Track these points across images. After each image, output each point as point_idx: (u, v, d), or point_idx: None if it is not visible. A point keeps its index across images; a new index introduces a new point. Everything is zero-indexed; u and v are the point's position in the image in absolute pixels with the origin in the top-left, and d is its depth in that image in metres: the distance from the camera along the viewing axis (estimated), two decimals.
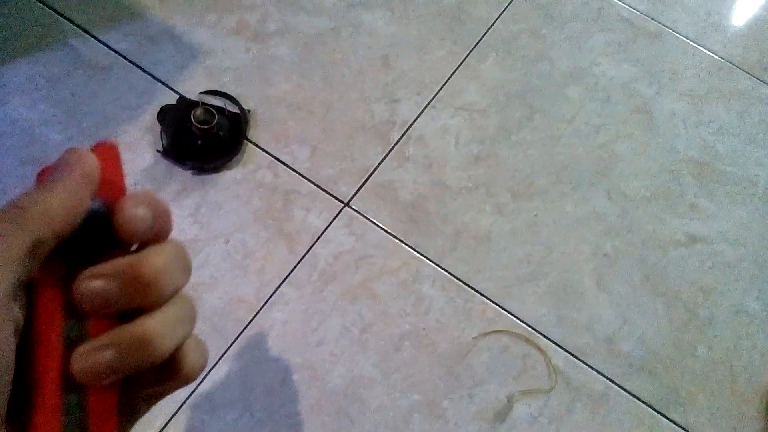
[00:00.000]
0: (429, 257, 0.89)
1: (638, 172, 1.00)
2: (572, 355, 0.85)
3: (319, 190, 0.92)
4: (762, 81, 1.13)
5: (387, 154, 0.96)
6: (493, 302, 0.87)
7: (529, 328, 0.86)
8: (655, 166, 1.01)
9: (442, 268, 0.89)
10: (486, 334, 0.85)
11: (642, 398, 0.84)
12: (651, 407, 0.84)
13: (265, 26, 1.03)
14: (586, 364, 0.85)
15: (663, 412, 0.83)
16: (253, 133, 0.94)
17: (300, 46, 1.03)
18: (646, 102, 1.07)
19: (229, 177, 0.91)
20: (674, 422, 0.83)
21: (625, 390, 0.84)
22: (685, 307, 0.90)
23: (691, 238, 0.96)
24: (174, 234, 0.25)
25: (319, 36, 1.04)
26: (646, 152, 1.02)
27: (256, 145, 0.93)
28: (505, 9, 1.12)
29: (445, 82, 1.03)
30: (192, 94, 0.94)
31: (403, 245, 0.90)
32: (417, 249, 0.90)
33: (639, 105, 1.06)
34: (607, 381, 0.84)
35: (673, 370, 0.86)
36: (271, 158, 0.93)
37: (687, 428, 0.83)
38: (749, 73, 1.13)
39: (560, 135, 1.02)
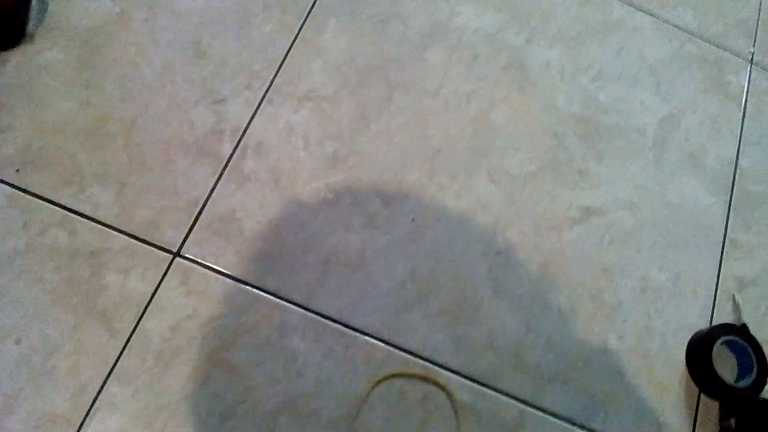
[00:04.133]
0: (293, 300, 0.72)
1: (520, 144, 0.86)
2: (477, 382, 0.73)
3: (137, 242, 0.70)
4: (635, 7, 1.01)
5: (220, 176, 0.76)
6: (378, 340, 0.73)
7: (425, 363, 0.73)
8: (537, 131, 0.88)
9: (312, 311, 0.72)
10: (377, 382, 0.71)
11: (559, 413, 0.74)
12: (570, 421, 0.74)
13: (25, 26, 0.76)
14: (494, 389, 0.74)
15: (583, 423, 0.74)
16: (31, 180, 0.70)
17: (78, 46, 0.77)
18: (518, 54, 0.92)
19: (8, 248, 0.67)
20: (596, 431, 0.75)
21: (539, 409, 0.74)
22: (589, 294, 0.80)
23: (585, 212, 0.85)
24: None
25: (102, 28, 0.79)
26: (526, 117, 0.88)
27: (38, 197, 0.70)
28: None
29: (280, 66, 0.83)
30: None
31: (260, 292, 0.72)
32: (277, 294, 0.72)
33: (510, 59, 0.91)
34: (519, 404, 0.74)
35: (587, 371, 0.77)
36: (63, 211, 0.70)
37: None
38: (621, 0, 1.01)
39: (427, 112, 0.85)
